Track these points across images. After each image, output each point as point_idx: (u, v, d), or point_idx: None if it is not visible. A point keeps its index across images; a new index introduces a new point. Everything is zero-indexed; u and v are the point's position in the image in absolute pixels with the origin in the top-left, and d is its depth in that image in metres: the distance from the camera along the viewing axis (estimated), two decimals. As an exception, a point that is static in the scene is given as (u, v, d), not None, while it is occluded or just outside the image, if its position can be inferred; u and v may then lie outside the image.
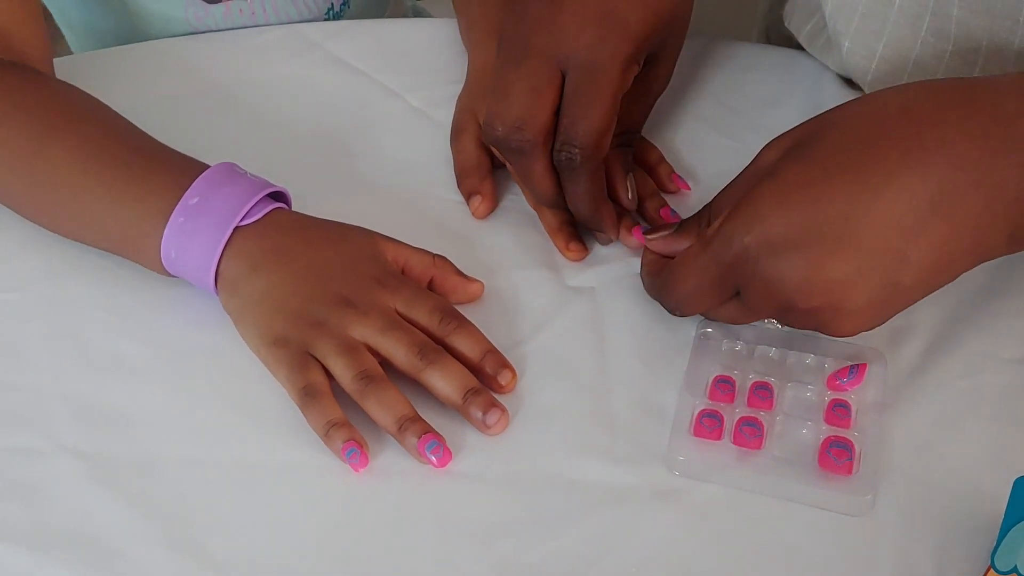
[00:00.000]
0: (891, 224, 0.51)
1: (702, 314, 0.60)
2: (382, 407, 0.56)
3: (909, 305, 0.54)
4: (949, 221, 0.51)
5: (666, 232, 0.60)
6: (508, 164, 0.67)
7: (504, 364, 0.59)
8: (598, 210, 0.63)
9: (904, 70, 0.68)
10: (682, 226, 0.60)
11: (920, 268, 0.52)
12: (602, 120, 0.61)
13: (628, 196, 0.65)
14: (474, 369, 0.59)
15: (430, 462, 0.56)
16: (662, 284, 0.59)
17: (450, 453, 0.56)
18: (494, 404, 0.57)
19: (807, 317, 0.54)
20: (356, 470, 0.56)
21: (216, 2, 0.83)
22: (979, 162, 0.51)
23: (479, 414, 0.57)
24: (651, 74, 0.66)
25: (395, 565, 0.53)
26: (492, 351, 0.59)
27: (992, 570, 0.48)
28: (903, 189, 0.51)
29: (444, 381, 0.57)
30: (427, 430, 0.56)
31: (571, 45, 0.60)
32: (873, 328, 0.55)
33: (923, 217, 0.51)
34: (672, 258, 0.59)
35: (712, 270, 0.55)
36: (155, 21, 0.85)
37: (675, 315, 0.60)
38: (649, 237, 0.61)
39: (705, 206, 0.59)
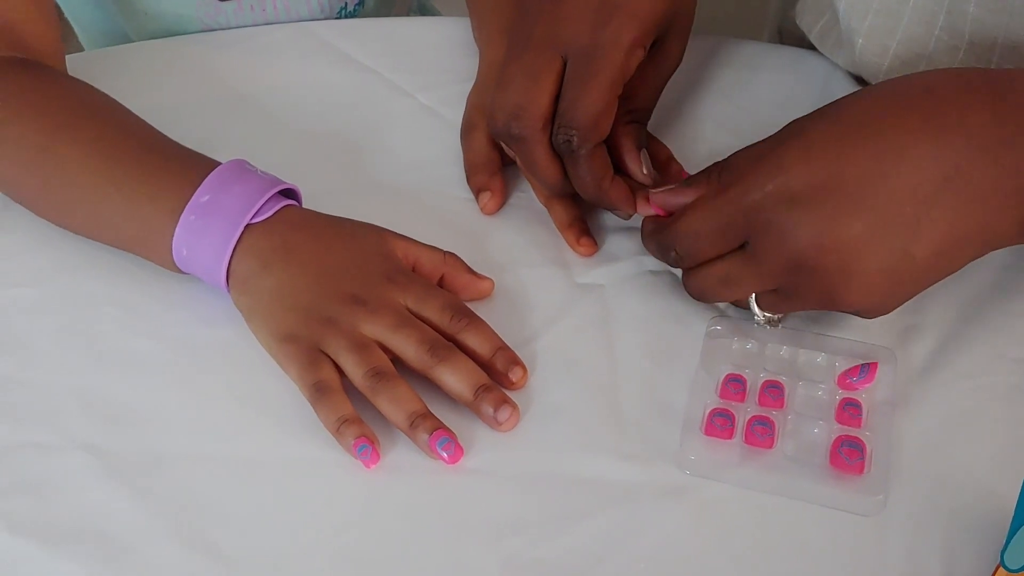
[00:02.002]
0: (906, 191, 0.52)
1: (691, 280, 0.58)
2: (393, 404, 0.57)
3: (918, 287, 0.55)
4: (961, 197, 0.52)
5: (671, 187, 0.60)
6: (514, 155, 0.67)
7: (515, 361, 0.59)
8: (603, 191, 0.63)
9: (918, 68, 0.68)
10: (688, 181, 0.59)
11: (931, 241, 0.53)
12: (598, 102, 0.60)
13: (643, 171, 0.64)
14: (485, 366, 0.59)
15: (441, 458, 0.56)
16: (667, 226, 0.58)
17: (461, 449, 0.56)
18: (505, 400, 0.57)
19: (815, 279, 0.54)
20: (367, 466, 0.56)
21: (227, -1, 0.84)
22: (994, 143, 0.52)
23: (490, 410, 0.57)
24: (660, 53, 0.65)
25: (406, 561, 0.53)
26: (503, 348, 0.60)
27: (1002, 568, 0.48)
28: (921, 159, 0.52)
29: (455, 377, 0.58)
30: (438, 426, 0.56)
31: (571, 32, 0.61)
32: (880, 309, 0.55)
33: (937, 189, 0.52)
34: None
35: (725, 213, 0.55)
36: (166, 19, 0.85)
37: (672, 263, 0.59)
38: (653, 192, 0.60)
39: (714, 164, 0.58)
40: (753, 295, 0.59)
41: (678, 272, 0.65)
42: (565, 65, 0.61)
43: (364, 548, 0.54)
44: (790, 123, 0.57)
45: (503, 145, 0.68)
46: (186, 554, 0.53)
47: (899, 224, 0.52)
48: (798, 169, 0.53)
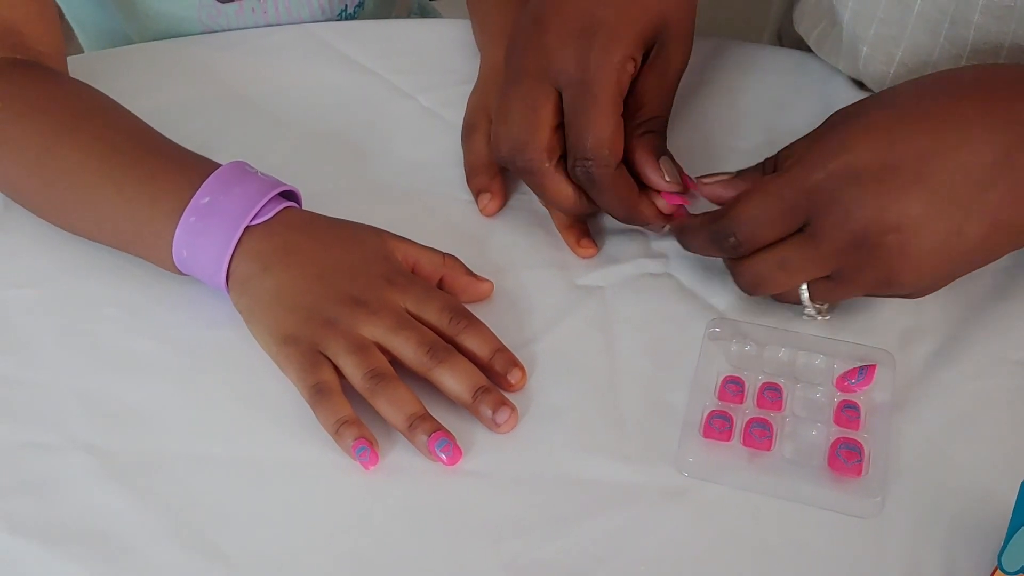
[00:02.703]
0: (961, 171, 0.53)
1: (745, 268, 0.58)
2: (392, 405, 0.57)
3: (964, 270, 0.56)
4: (1008, 182, 0.53)
5: (723, 176, 0.60)
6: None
7: (514, 362, 0.59)
8: (634, 210, 0.63)
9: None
10: (741, 172, 0.60)
11: (981, 223, 0.54)
12: (605, 127, 0.61)
13: (665, 179, 0.62)
14: (484, 368, 0.59)
15: (440, 460, 0.56)
16: (724, 213, 0.58)
17: (460, 451, 0.56)
18: (504, 402, 0.58)
19: (874, 257, 0.54)
20: (366, 468, 0.56)
21: (228, 1, 0.84)
22: None
23: (489, 412, 0.57)
24: (660, 59, 0.64)
25: (405, 562, 0.53)
26: (502, 349, 0.60)
27: (999, 570, 0.48)
28: (974, 141, 0.53)
29: (454, 379, 0.58)
30: (437, 428, 0.56)
31: (558, 63, 0.61)
32: (926, 290, 0.56)
33: (988, 172, 0.53)
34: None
35: (787, 194, 0.55)
36: (167, 21, 0.85)
37: (729, 251, 0.58)
38: (704, 181, 0.60)
39: (767, 158, 0.59)
40: (805, 285, 0.58)
41: (679, 275, 0.65)
42: (560, 94, 0.62)
43: (363, 549, 0.54)
44: (837, 111, 0.58)
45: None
46: (186, 554, 0.53)
47: (955, 203, 0.53)
48: (860, 147, 0.54)
